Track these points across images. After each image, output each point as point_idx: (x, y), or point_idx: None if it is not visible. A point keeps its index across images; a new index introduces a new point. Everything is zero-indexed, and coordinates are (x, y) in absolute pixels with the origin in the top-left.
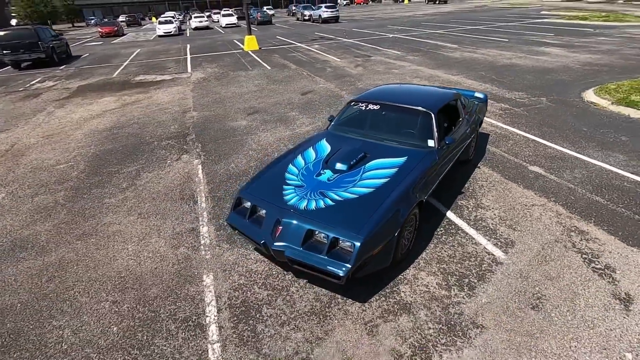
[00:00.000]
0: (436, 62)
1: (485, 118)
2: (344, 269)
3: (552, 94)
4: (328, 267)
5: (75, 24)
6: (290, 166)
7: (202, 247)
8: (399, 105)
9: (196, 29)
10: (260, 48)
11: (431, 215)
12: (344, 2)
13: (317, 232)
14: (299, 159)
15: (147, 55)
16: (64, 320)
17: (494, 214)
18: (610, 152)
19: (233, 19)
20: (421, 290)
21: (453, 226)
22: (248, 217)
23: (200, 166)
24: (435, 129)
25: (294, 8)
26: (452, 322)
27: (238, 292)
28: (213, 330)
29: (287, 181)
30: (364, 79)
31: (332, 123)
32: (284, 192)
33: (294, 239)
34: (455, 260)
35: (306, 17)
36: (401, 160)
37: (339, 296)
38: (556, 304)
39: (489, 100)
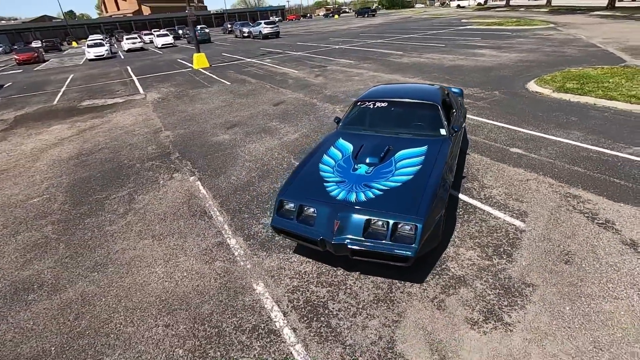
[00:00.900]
0: (389, 67)
1: None
2: (412, 250)
3: (502, 88)
4: (396, 250)
5: None
6: (321, 165)
7: (238, 258)
8: (405, 100)
9: (129, 50)
10: (211, 65)
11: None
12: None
13: (374, 221)
14: (327, 158)
15: (84, 80)
16: (117, 354)
17: (500, 191)
18: (569, 130)
19: (169, 39)
20: (467, 264)
21: (469, 206)
22: (296, 217)
23: (199, 182)
24: (443, 119)
25: (229, 26)
26: (507, 286)
27: (296, 294)
28: (288, 333)
29: (326, 179)
30: (330, 87)
31: (342, 123)
32: (327, 189)
33: (355, 230)
34: (484, 234)
35: (245, 34)
36: (423, 149)
37: (396, 281)
38: (582, 256)
39: None
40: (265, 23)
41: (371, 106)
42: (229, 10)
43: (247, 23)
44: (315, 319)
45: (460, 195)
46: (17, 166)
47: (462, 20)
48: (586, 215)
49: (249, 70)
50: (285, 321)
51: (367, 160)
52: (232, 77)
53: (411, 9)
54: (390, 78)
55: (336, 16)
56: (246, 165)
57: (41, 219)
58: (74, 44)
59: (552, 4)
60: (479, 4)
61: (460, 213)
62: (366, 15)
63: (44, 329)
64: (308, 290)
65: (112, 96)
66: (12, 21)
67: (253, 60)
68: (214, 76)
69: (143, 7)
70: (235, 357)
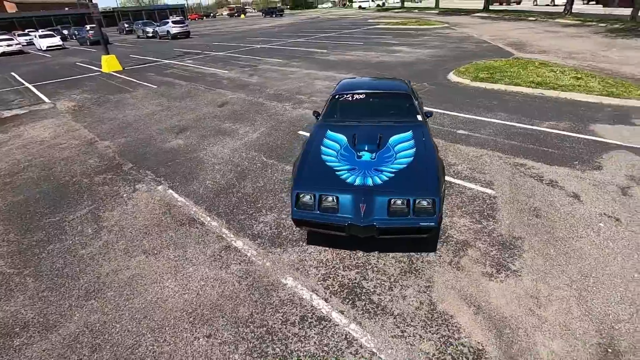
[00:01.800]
0: (321, 65)
1: None
2: (434, 220)
3: (429, 80)
4: (421, 223)
5: None
6: (324, 156)
7: (253, 258)
8: (381, 91)
9: (3, 54)
10: (124, 68)
11: None
12: (177, 19)
13: (395, 201)
14: (326, 149)
15: None
16: None
17: (464, 167)
18: (495, 112)
19: (56, 40)
20: (464, 230)
21: (445, 181)
22: (318, 207)
23: (171, 191)
24: (417, 106)
25: (126, 25)
26: (502, 241)
27: (328, 280)
28: (337, 317)
29: (336, 169)
30: (270, 86)
31: (323, 116)
32: (342, 177)
33: (380, 211)
34: (467, 203)
35: (150, 35)
36: (409, 134)
37: (413, 254)
38: (545, 209)
39: None
40: (173, 22)
41: (350, 98)
42: (120, 8)
43: (150, 22)
44: (357, 299)
45: None
46: None
47: (368, 20)
48: (535, 178)
49: (172, 72)
50: (330, 306)
51: (366, 148)
52: (155, 80)
53: (315, 10)
54: (325, 75)
55: (242, 16)
56: (217, 168)
57: None
58: None
59: (439, 6)
60: (378, 5)
61: None
62: (274, 15)
63: None
64: (338, 275)
65: (8, 107)
66: None
67: (171, 61)
68: (133, 80)
69: (6, 3)
70: (295, 348)
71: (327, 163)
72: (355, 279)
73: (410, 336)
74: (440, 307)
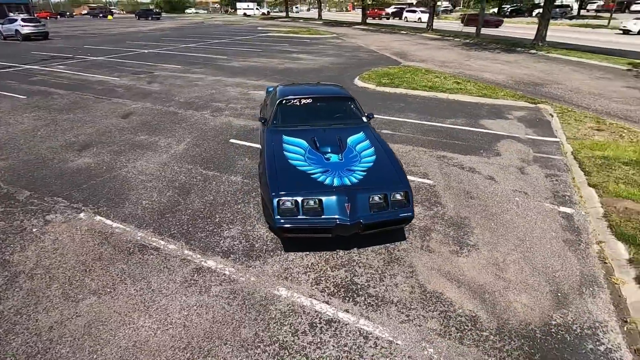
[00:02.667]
0: (227, 71)
1: None
2: (410, 210)
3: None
4: (400, 215)
5: None
6: (292, 161)
7: (234, 276)
8: (327, 96)
9: None
10: None
11: None
12: (29, 17)
13: (373, 197)
14: (289, 154)
15: None
16: None
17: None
18: (405, 113)
19: None
20: (422, 217)
21: None
22: (302, 212)
23: (100, 217)
24: (360, 108)
25: None
26: (454, 222)
27: (322, 283)
28: (345, 316)
29: (309, 172)
30: (177, 94)
31: (272, 121)
32: (318, 179)
33: (363, 208)
34: (415, 194)
35: None
36: (362, 134)
37: (388, 244)
38: (475, 192)
39: None
40: (23, 20)
41: (297, 103)
42: None
43: None
44: (355, 295)
45: None
46: None
47: (258, 28)
48: (458, 167)
49: (43, 79)
50: (333, 308)
51: (329, 150)
52: (21, 89)
53: (193, 14)
54: (236, 81)
55: (109, 17)
56: (150, 186)
57: None
58: None
59: (322, 18)
60: (263, 13)
61: None
62: (150, 18)
63: None
64: (329, 277)
65: None
66: None
67: (35, 67)
68: None
69: None
70: (317, 356)
71: (299, 167)
72: (347, 277)
73: (415, 318)
74: (429, 287)
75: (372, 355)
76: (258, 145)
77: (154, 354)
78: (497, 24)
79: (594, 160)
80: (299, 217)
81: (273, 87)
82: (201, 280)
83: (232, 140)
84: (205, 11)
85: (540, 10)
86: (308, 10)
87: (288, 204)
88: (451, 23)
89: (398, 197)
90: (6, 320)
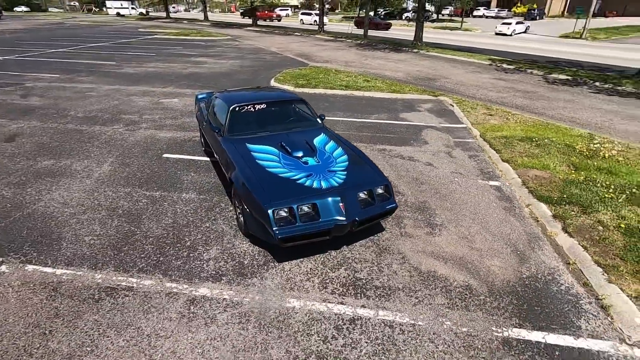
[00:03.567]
0: (123, 79)
1: None
2: (394, 202)
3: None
4: (387, 207)
5: None
6: (271, 170)
7: (236, 298)
8: (281, 100)
9: None
10: None
11: None
12: None
13: (360, 194)
14: (266, 162)
15: None
16: None
17: None
18: (333, 111)
19: None
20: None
21: None
22: (300, 219)
23: (34, 266)
24: (313, 110)
25: None
26: (418, 207)
27: (329, 285)
28: (363, 312)
29: (293, 178)
30: (70, 107)
31: (228, 130)
32: (305, 184)
33: (354, 206)
34: None
35: None
36: (323, 135)
37: (372, 237)
38: (422, 178)
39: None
40: None
41: (252, 110)
42: None
43: None
44: (365, 290)
45: None
46: None
47: (140, 30)
48: (399, 157)
49: None
50: (350, 306)
51: (301, 154)
52: None
53: (48, 13)
54: (140, 90)
55: None
56: (86, 218)
57: None
58: None
59: (209, 19)
60: (142, 14)
61: None
62: None
63: None
64: (333, 278)
65: None
66: None
67: None
68: None
69: None
70: (355, 356)
71: (281, 175)
72: (349, 275)
73: (424, 298)
74: (423, 268)
75: (404, 341)
76: (199, 158)
77: None
78: (387, 27)
79: (499, 140)
80: (297, 224)
81: (205, 93)
82: (201, 311)
83: (166, 155)
84: (62, 10)
85: (408, 14)
86: (187, 10)
87: (282, 213)
88: (340, 25)
89: (380, 191)
90: None
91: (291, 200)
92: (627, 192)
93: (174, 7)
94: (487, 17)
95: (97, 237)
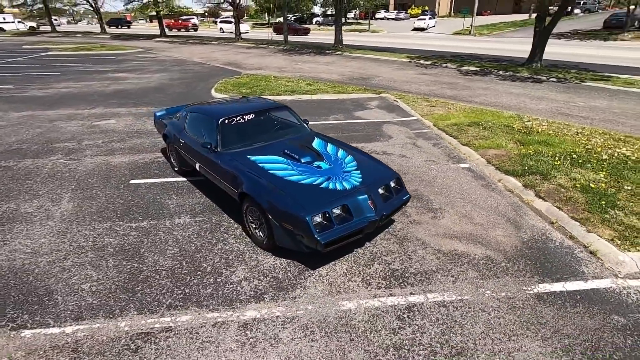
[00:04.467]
0: (33, 103)
1: None
2: (407, 192)
3: (198, 100)
4: (403, 198)
5: None
6: (289, 179)
7: (289, 313)
8: (265, 109)
9: None
10: None
11: None
12: None
13: (379, 190)
14: (281, 172)
15: None
16: None
17: None
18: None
19: None
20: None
21: None
22: (336, 222)
23: (31, 330)
24: (298, 116)
25: None
26: (412, 195)
27: (372, 281)
28: (415, 299)
29: (315, 183)
30: None
31: (220, 145)
32: (330, 187)
33: (379, 202)
34: None
35: None
36: (319, 139)
37: (389, 229)
38: (403, 168)
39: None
40: None
41: (242, 121)
42: None
43: None
44: (405, 278)
45: None
46: None
47: (26, 47)
48: (373, 153)
49: None
50: (401, 297)
51: (310, 159)
52: None
53: None
54: (63, 114)
55: None
56: (70, 265)
57: None
58: None
59: (106, 31)
60: (32, 27)
61: None
62: None
63: None
64: (372, 273)
65: None
66: None
67: None
68: None
69: None
70: (426, 340)
71: (301, 182)
72: (385, 268)
73: (459, 275)
74: (444, 249)
75: (461, 316)
76: (173, 179)
77: None
78: (306, 32)
79: (451, 128)
80: (334, 227)
81: (164, 110)
82: (260, 334)
83: (134, 182)
84: None
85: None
86: (70, 23)
87: (317, 219)
88: (255, 32)
89: (394, 184)
90: None
91: (324, 204)
92: (568, 158)
93: (56, 20)
94: (388, 19)
95: (98, 282)
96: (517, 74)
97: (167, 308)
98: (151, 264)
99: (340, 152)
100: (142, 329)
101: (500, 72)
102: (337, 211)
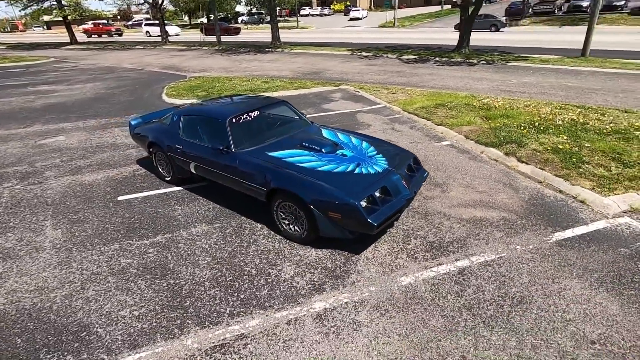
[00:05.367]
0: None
1: None
2: (425, 170)
3: (150, 107)
4: (424, 175)
5: None
6: (321, 169)
7: (354, 297)
8: (268, 104)
9: None
10: None
11: None
12: None
13: (404, 170)
14: (311, 164)
15: None
16: None
17: None
18: None
19: None
20: None
21: None
22: (380, 204)
23: None
24: (297, 109)
25: None
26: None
27: (417, 255)
28: (462, 263)
29: (348, 170)
30: None
31: (234, 145)
32: (363, 172)
33: (408, 180)
34: None
35: None
36: (326, 129)
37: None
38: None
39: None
40: None
41: (249, 118)
42: None
43: None
44: (445, 248)
45: None
46: None
47: None
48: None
49: None
50: (450, 264)
51: (330, 149)
52: None
53: None
54: (15, 133)
55: None
56: (96, 293)
57: None
58: None
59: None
60: None
61: None
62: None
63: None
64: (414, 249)
65: None
66: None
67: None
68: None
69: None
70: (488, 297)
71: (335, 171)
72: (422, 242)
73: (488, 237)
74: (465, 217)
75: (507, 270)
76: (168, 190)
77: None
78: (237, 32)
79: (420, 110)
80: (381, 209)
81: (139, 118)
82: (338, 322)
83: (122, 198)
84: None
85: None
86: None
87: (364, 203)
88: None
89: (411, 163)
90: None
91: (367, 189)
92: (532, 127)
93: None
94: (313, 15)
95: (137, 306)
96: (452, 60)
97: (230, 316)
98: (189, 277)
99: (355, 140)
100: (213, 342)
101: (437, 58)
102: (378, 194)
